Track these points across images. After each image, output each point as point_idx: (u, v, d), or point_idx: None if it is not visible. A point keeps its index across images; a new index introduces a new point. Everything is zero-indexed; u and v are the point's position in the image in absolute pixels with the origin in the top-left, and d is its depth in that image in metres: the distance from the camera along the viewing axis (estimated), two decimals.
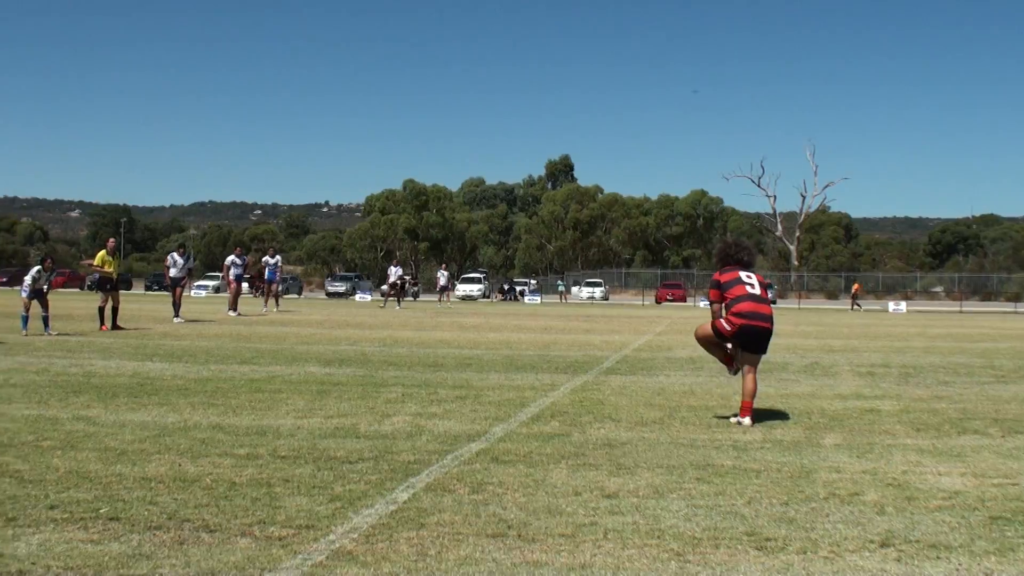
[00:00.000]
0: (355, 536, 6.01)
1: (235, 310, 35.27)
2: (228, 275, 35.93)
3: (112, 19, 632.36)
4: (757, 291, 11.11)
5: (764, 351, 11.21)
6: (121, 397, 12.07)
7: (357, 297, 74.96)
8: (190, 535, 5.98)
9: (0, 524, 6.14)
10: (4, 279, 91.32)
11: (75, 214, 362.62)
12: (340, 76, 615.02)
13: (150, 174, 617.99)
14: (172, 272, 30.39)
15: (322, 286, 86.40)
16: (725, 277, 11.22)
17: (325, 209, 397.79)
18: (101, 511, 6.48)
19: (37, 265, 23.47)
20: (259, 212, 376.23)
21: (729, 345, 11.23)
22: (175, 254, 30.71)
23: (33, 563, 5.39)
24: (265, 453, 8.60)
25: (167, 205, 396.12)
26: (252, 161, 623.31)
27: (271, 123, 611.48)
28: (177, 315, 30.67)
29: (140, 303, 49.04)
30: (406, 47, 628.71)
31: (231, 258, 35.90)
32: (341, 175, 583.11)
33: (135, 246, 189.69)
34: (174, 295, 30.62)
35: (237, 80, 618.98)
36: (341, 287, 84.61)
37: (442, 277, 63.44)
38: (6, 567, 5.31)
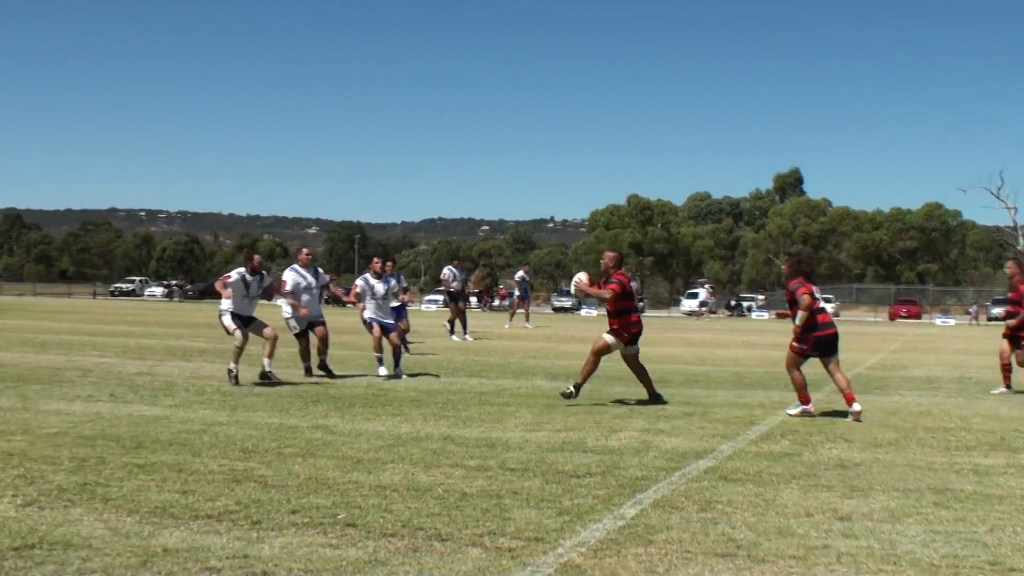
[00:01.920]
0: (583, 550, 6.03)
1: (458, 330, 29.41)
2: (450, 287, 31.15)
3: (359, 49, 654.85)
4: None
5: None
6: (357, 407, 12.45)
7: (583, 312, 75.21)
8: (423, 543, 6.12)
9: (246, 527, 6.42)
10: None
11: (312, 231, 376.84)
12: (565, 93, 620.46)
13: (382, 192, 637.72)
14: (454, 285, 28.85)
15: (548, 300, 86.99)
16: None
17: (551, 224, 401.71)
18: (339, 517, 6.70)
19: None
20: (486, 228, 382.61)
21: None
22: (452, 267, 29.13)
23: (276, 565, 5.61)
24: (495, 465, 8.72)
25: (398, 222, 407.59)
26: (480, 178, 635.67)
27: (497, 140, 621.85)
28: (465, 333, 28.71)
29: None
30: (630, 62, 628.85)
31: (448, 269, 30.04)
32: (566, 191, 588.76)
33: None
34: (455, 310, 28.85)
35: (467, 99, 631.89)
36: (567, 302, 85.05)
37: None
38: (251, 568, 5.55)
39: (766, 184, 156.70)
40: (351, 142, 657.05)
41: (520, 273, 39.26)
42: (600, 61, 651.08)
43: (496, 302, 79.48)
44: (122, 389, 13.42)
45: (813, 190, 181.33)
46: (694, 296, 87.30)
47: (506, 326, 38.93)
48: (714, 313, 77.90)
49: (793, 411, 12.72)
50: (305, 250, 17.66)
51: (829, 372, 12.84)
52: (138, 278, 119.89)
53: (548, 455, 9.28)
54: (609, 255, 14.03)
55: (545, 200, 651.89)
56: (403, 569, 5.59)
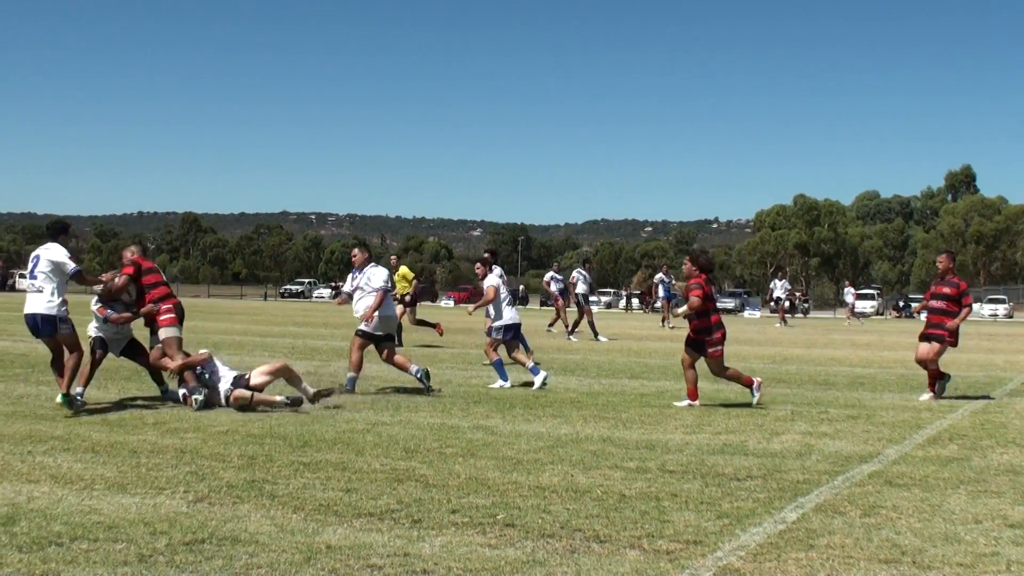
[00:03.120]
0: (742, 554, 5.98)
1: (571, 333, 28.54)
2: (550, 289, 30.45)
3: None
4: None
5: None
6: (517, 408, 12.55)
7: (746, 314, 74.30)
8: (581, 544, 6.15)
9: (407, 525, 6.54)
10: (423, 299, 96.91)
11: (477, 233, 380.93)
12: (730, 90, 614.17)
13: (546, 194, 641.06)
14: (580, 288, 28.82)
15: None
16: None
17: (715, 225, 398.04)
18: (498, 517, 6.78)
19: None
20: (649, 229, 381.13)
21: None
22: (582, 269, 29.31)
23: (435, 564, 5.71)
24: (654, 467, 8.71)
25: (562, 223, 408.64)
26: (644, 179, 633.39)
27: (662, 140, 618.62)
28: (596, 336, 28.14)
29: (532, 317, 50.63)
30: (796, 57, 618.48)
31: (550, 274, 30.56)
32: (731, 191, 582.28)
33: (530, 263, 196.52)
34: (583, 313, 28.41)
35: (629, 98, 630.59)
36: (729, 303, 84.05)
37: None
38: (411, 566, 5.66)
39: (938, 182, 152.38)
40: (515, 144, 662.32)
41: (659, 275, 39.93)
42: (765, 56, 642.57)
43: (659, 303, 79.09)
44: (289, 389, 13.77)
45: (987, 188, 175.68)
46: (870, 298, 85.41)
47: (666, 325, 39.39)
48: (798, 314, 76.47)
49: (681, 404, 13.22)
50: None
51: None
52: (307, 280, 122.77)
53: (708, 457, 9.22)
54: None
55: (709, 201, 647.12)
56: (561, 570, 5.63)
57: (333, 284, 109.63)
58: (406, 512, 6.87)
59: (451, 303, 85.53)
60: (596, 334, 28.29)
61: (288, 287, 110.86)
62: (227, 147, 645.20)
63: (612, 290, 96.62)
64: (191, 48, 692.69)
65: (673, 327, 39.30)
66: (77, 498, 7.16)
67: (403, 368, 14.01)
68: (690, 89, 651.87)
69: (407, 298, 23.79)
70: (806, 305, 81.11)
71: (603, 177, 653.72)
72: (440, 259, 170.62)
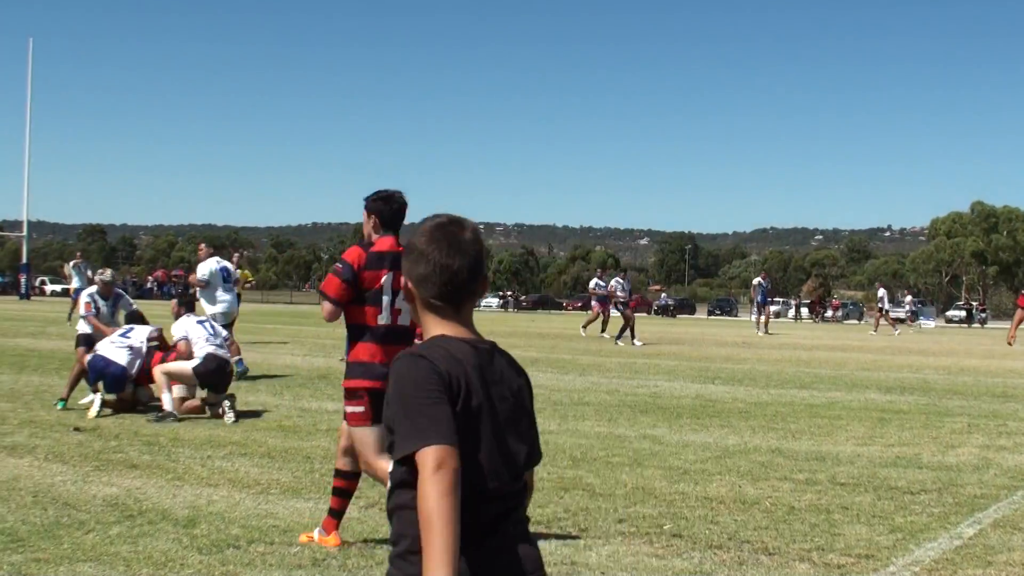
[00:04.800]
0: (916, 569, 5.85)
1: (607, 334, 30.41)
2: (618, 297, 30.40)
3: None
4: None
5: None
6: (684, 418, 12.49)
7: (920, 323, 72.25)
8: (749, 556, 6.09)
9: (574, 534, 6.58)
10: (579, 303, 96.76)
11: (644, 242, 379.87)
12: (904, 94, 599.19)
13: (714, 202, 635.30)
14: (619, 294, 29.27)
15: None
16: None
17: (887, 233, 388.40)
18: (665, 527, 6.77)
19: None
20: (819, 237, 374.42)
21: None
22: (620, 278, 29.91)
23: (602, 572, 5.73)
24: (824, 479, 8.57)
25: (730, 232, 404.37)
26: (813, 186, 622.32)
27: (831, 146, 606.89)
28: (618, 338, 28.70)
29: (703, 327, 50.17)
30: (965, 59, 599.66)
31: (594, 281, 31.88)
32: (905, 198, 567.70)
33: (698, 272, 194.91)
34: (626, 318, 28.78)
35: (794, 104, 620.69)
36: (902, 312, 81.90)
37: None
38: (578, 574, 5.69)
39: None
40: (684, 152, 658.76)
41: (757, 279, 39.78)
42: (944, 52, 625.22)
43: (829, 313, 77.58)
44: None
45: None
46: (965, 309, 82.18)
47: (760, 331, 38.25)
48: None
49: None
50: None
51: None
52: None
53: (880, 470, 9.03)
54: None
55: (882, 208, 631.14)
56: None
57: (502, 293, 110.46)
58: (573, 521, 6.91)
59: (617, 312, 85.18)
60: (632, 337, 28.57)
61: None
62: (398, 160, 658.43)
63: (781, 299, 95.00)
64: (364, 70, 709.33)
65: (772, 333, 38.84)
66: (254, 502, 7.40)
67: None
68: (863, 92, 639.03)
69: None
70: (983, 315, 78.49)
71: (772, 185, 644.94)
72: (606, 268, 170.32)
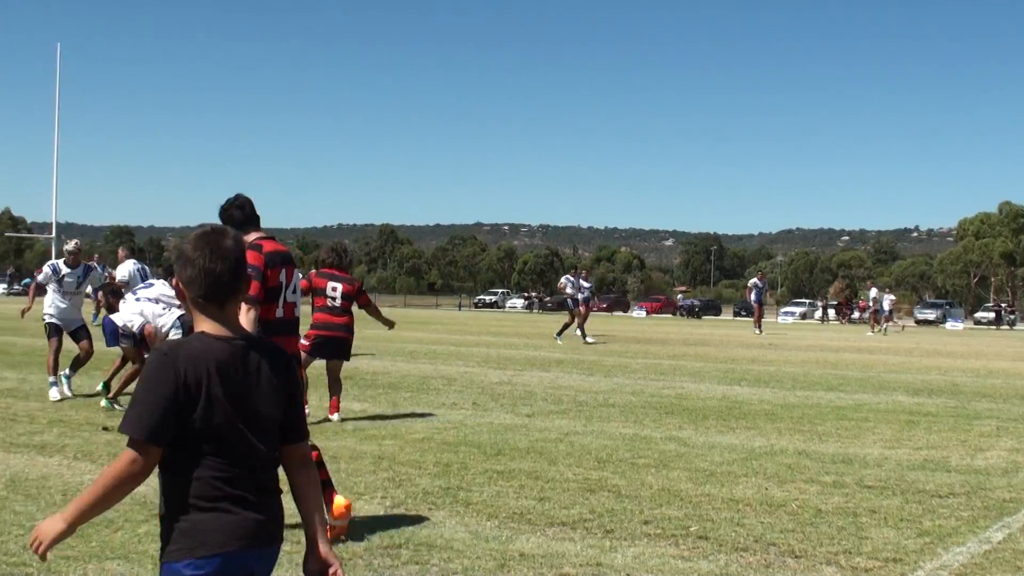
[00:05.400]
0: (945, 574, 5.83)
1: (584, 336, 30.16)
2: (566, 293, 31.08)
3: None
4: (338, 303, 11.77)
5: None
6: (711, 419, 12.45)
7: (947, 325, 71.88)
8: (775, 559, 6.07)
9: (599, 535, 6.57)
10: (604, 305, 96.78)
11: (669, 243, 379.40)
12: (929, 94, 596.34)
13: (739, 203, 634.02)
14: (568, 291, 29.92)
15: (910, 313, 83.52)
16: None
17: (915, 234, 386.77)
18: (691, 529, 6.75)
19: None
20: (846, 238, 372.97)
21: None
22: (578, 277, 30.18)
23: (628, 574, 5.73)
24: (851, 482, 8.53)
25: (755, 233, 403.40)
26: (840, 187, 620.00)
27: (858, 147, 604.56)
28: (584, 336, 29.62)
29: (726, 327, 50.04)
30: (1001, 58, 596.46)
31: (566, 277, 31.25)
32: (932, 199, 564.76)
33: (723, 273, 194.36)
34: (577, 314, 29.61)
35: (818, 104, 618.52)
36: (931, 314, 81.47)
37: (885, 300, 50.46)
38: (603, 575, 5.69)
39: None
40: (708, 153, 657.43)
41: (754, 280, 40.80)
42: (971, 53, 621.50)
43: (856, 315, 77.16)
44: (484, 398, 13.97)
45: None
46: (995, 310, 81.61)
47: (755, 331, 40.03)
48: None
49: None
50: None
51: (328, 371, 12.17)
52: (500, 290, 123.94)
53: (908, 473, 8.99)
54: None
55: (909, 209, 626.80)
56: None
57: (527, 294, 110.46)
58: (598, 522, 6.91)
59: (643, 313, 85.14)
60: (573, 332, 29.74)
61: (482, 297, 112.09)
62: (424, 161, 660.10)
63: (807, 301, 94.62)
64: (389, 71, 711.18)
65: (756, 332, 39.57)
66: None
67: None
68: (890, 92, 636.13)
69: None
70: (1012, 317, 77.99)
71: (798, 185, 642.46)
72: (632, 269, 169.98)
